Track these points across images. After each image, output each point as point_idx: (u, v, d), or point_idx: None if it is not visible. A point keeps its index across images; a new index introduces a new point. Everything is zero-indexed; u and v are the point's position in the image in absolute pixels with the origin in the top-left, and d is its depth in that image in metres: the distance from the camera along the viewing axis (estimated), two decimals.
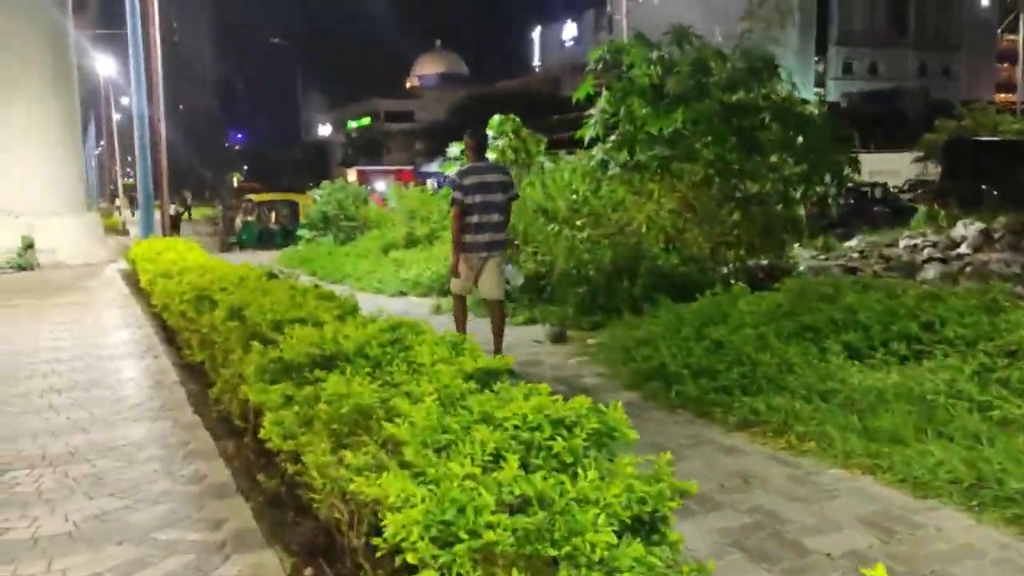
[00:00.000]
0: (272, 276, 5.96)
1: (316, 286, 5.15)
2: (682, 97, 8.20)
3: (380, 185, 19.27)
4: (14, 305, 11.00)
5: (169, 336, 8.01)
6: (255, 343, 3.67)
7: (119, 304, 10.88)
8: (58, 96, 17.92)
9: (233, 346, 4.22)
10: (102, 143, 60.45)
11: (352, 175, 26.37)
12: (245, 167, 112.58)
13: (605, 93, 8.69)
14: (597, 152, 8.97)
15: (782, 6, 48.16)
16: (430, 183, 29.18)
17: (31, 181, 17.04)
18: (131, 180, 64.97)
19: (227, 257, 11.85)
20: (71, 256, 16.91)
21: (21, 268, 15.84)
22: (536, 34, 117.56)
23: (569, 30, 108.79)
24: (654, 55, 8.52)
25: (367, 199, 17.71)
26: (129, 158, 61.52)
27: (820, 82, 50.83)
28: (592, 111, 8.83)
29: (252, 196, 24.38)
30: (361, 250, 14.20)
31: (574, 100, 9.03)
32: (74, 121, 19.01)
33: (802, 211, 9.15)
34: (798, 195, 8.69)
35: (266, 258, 19.47)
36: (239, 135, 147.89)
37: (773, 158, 8.54)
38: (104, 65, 35.76)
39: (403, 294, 11.08)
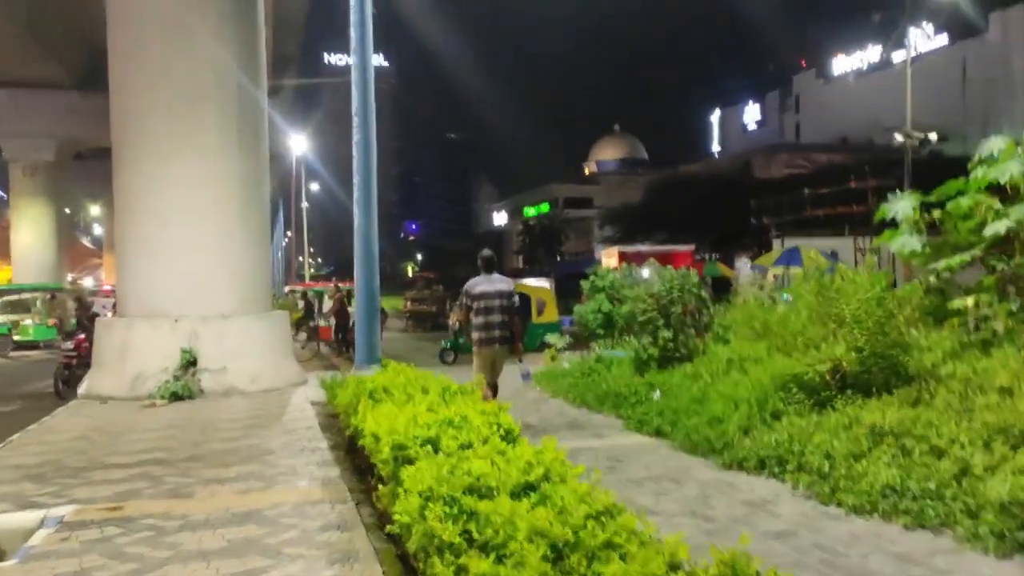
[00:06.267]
0: None
1: None
2: None
3: (645, 272, 13.33)
4: (113, 510, 5.42)
5: None
6: None
7: (332, 521, 5.07)
8: (245, 156, 12.91)
9: None
10: (288, 234, 59.14)
11: (610, 259, 20.47)
12: (419, 256, 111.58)
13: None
14: None
15: None
16: (768, 273, 21.43)
17: (198, 267, 12.04)
18: (313, 270, 63.22)
19: (448, 373, 6.26)
20: (248, 378, 11.63)
21: (177, 397, 10.68)
22: (715, 117, 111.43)
23: (751, 112, 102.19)
24: None
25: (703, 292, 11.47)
26: (311, 250, 59.46)
27: None
28: None
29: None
30: (749, 382, 7.75)
31: None
32: (261, 196, 13.88)
33: None
34: None
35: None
36: (413, 226, 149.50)
37: None
38: (297, 143, 32.17)
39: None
